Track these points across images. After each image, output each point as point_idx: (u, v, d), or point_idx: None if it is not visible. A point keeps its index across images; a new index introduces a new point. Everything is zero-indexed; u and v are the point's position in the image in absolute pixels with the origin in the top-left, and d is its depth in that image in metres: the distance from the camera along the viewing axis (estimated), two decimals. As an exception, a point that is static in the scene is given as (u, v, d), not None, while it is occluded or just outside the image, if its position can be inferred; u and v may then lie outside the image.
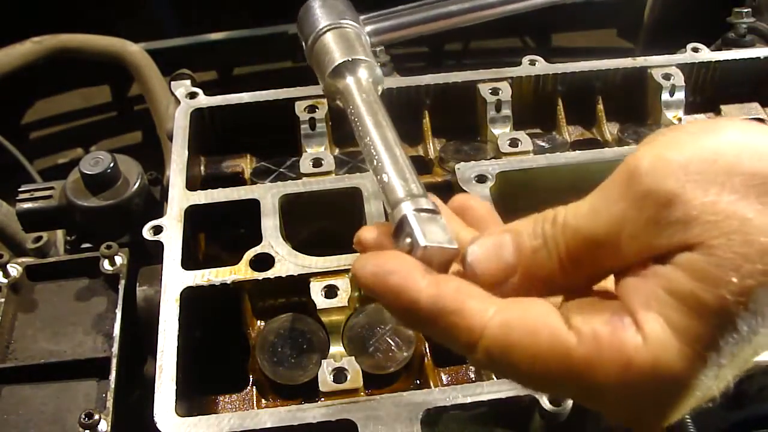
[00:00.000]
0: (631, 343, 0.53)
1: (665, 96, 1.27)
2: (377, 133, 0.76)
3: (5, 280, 1.11)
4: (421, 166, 1.25)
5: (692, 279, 0.52)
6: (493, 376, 1.00)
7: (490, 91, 1.25)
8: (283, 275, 1.00)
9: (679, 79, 1.27)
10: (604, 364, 0.53)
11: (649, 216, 0.54)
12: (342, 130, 1.27)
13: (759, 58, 1.34)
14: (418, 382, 1.02)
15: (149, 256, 1.07)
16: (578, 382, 0.55)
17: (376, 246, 0.68)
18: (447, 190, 1.16)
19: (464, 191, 1.10)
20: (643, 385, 0.53)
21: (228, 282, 1.00)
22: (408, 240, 0.64)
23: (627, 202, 0.55)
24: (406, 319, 0.63)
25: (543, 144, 1.28)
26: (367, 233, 0.69)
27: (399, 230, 0.65)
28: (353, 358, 0.95)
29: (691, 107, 1.32)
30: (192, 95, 1.25)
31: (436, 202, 0.70)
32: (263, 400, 1.00)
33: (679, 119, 1.27)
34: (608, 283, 0.60)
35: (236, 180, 1.23)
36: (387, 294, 0.61)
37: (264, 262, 1.01)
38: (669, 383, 0.53)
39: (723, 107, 1.36)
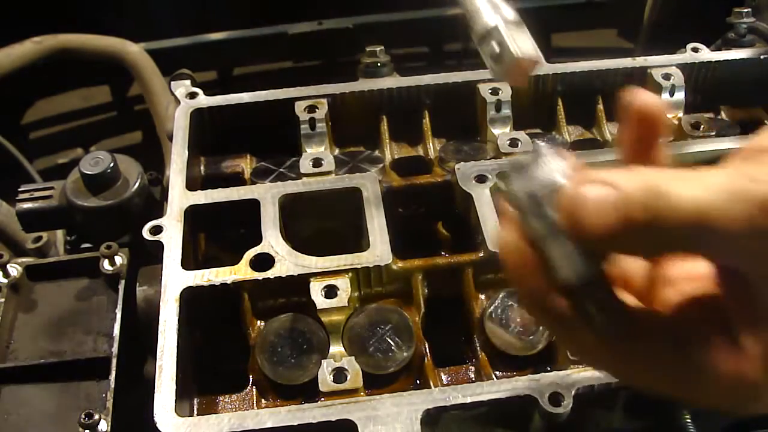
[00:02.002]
0: None
1: (665, 96, 1.27)
2: None
3: (5, 280, 1.11)
4: (421, 166, 1.25)
5: None
6: (493, 376, 1.00)
7: (490, 91, 1.25)
8: (283, 275, 1.00)
9: (679, 79, 1.27)
10: None
11: None
12: (342, 130, 1.27)
13: (759, 58, 1.34)
14: (418, 382, 1.02)
15: (149, 256, 1.07)
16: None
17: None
18: (447, 190, 1.16)
19: (464, 192, 1.10)
20: None
21: (228, 282, 1.00)
22: (497, 48, 0.66)
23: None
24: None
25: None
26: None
27: (486, 38, 0.67)
28: (353, 358, 0.96)
29: (691, 107, 1.32)
30: (192, 95, 1.25)
31: None
32: (263, 400, 1.00)
33: (679, 119, 1.27)
34: None
35: (236, 180, 1.23)
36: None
37: (264, 262, 1.01)
38: None
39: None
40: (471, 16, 0.71)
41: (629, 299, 0.67)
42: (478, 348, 1.03)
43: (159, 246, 1.03)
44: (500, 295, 1.04)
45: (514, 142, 1.19)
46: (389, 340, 1.01)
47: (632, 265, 0.70)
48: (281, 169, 1.22)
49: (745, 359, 0.59)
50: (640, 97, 0.66)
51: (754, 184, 0.55)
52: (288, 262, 1.01)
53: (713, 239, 0.56)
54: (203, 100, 1.24)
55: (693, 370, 0.60)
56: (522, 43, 0.65)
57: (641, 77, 1.30)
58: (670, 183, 0.57)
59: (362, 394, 0.93)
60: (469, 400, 0.89)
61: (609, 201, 0.58)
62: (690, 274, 0.66)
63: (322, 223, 1.15)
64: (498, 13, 0.68)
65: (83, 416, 0.94)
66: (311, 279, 1.00)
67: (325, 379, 0.93)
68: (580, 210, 0.58)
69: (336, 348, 0.99)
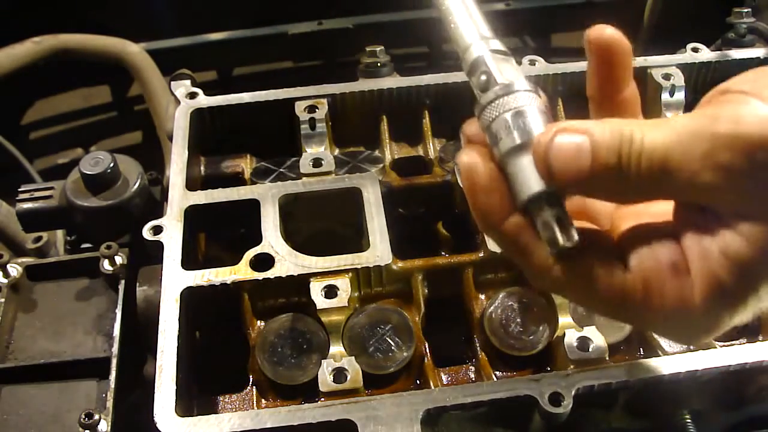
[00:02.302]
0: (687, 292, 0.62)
1: (665, 96, 1.27)
2: None
3: (5, 280, 1.11)
4: (421, 166, 1.25)
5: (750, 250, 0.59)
6: (493, 376, 1.00)
7: (490, 91, 1.25)
8: (283, 275, 1.00)
9: (679, 79, 1.27)
10: (665, 308, 0.63)
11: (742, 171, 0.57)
12: (342, 130, 1.27)
13: (759, 58, 1.34)
14: (418, 382, 1.02)
15: (149, 256, 1.07)
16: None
17: (465, 134, 0.71)
18: (447, 190, 1.16)
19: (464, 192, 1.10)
20: (689, 321, 0.64)
21: (228, 282, 1.00)
22: (483, 78, 0.68)
23: (725, 153, 0.58)
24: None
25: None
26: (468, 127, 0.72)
27: (474, 69, 0.70)
28: (353, 358, 0.96)
29: (691, 107, 1.31)
30: (192, 95, 1.25)
31: None
32: (263, 400, 1.00)
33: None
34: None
35: (236, 180, 1.23)
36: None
37: (264, 262, 1.01)
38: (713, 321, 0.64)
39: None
40: (455, 40, 0.72)
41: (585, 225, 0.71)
42: (478, 348, 1.03)
43: (159, 246, 1.03)
44: (500, 295, 1.04)
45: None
46: (389, 340, 1.01)
47: (596, 204, 0.75)
48: (281, 169, 1.22)
49: (691, 289, 0.62)
50: (597, 30, 0.69)
51: (713, 122, 0.59)
52: (288, 262, 1.01)
53: (678, 180, 0.59)
54: (203, 100, 1.24)
55: (638, 298, 0.64)
56: (507, 74, 0.67)
57: (641, 77, 1.30)
58: (639, 129, 0.61)
59: (362, 394, 0.93)
60: (469, 400, 0.89)
61: (581, 148, 0.61)
62: (648, 210, 0.70)
63: (322, 223, 1.15)
64: (483, 39, 0.70)
65: (83, 416, 0.94)
66: (311, 279, 1.00)
67: (325, 379, 0.93)
68: (553, 156, 0.62)
69: (336, 348, 0.99)
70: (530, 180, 0.65)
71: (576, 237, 0.64)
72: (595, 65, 0.71)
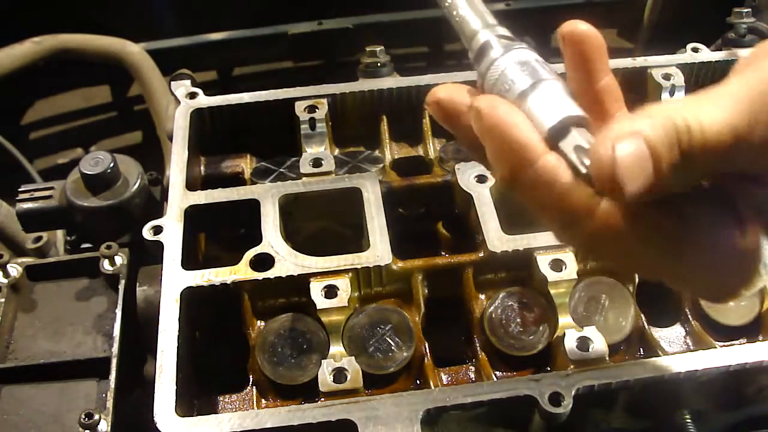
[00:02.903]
0: None
1: (665, 96, 1.27)
2: None
3: (5, 280, 1.11)
4: (421, 166, 1.25)
5: None
6: (493, 376, 1.00)
7: (490, 91, 1.25)
8: (283, 275, 1.00)
9: (679, 79, 1.27)
10: None
11: None
12: (342, 130, 1.27)
13: (759, 58, 1.34)
14: (418, 382, 1.02)
15: (149, 256, 1.07)
16: None
17: (450, 102, 0.69)
18: (447, 190, 1.16)
19: (464, 192, 1.10)
20: None
21: (228, 282, 1.00)
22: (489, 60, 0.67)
23: None
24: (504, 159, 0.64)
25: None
26: (440, 92, 0.70)
27: (480, 55, 0.69)
28: (353, 358, 0.95)
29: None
30: (192, 95, 1.25)
31: None
32: (263, 400, 1.00)
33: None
34: None
35: (236, 180, 1.23)
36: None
37: (264, 262, 1.01)
38: None
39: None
40: (461, 31, 0.72)
41: None
42: (478, 348, 1.03)
43: (159, 246, 1.03)
44: (500, 295, 1.04)
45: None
46: (389, 340, 1.01)
47: None
48: (281, 169, 1.22)
49: (748, 243, 0.59)
50: (569, 25, 0.68)
51: None
52: (288, 262, 1.01)
53: (749, 153, 0.56)
54: (203, 100, 1.24)
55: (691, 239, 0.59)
56: None
57: (641, 77, 1.30)
58: (691, 113, 0.56)
59: (362, 394, 0.93)
60: (469, 400, 0.89)
61: (643, 156, 0.56)
62: None
63: (322, 223, 1.15)
64: (488, 27, 0.70)
65: (83, 416, 0.94)
66: (311, 279, 1.00)
67: (325, 379, 0.93)
68: (620, 173, 0.57)
69: (336, 348, 0.99)
70: (551, 110, 0.62)
71: None
72: (571, 59, 0.69)
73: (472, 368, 1.04)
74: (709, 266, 0.61)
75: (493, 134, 0.63)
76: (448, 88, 0.70)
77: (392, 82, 1.28)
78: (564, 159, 0.61)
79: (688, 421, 0.99)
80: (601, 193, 0.60)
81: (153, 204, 1.27)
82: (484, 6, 0.72)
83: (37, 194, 1.25)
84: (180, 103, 1.23)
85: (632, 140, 0.57)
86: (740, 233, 0.59)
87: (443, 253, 1.16)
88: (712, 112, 0.56)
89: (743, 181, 0.60)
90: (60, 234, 1.45)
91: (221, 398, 1.01)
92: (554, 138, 0.62)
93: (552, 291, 1.01)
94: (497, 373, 1.01)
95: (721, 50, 1.38)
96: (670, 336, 1.09)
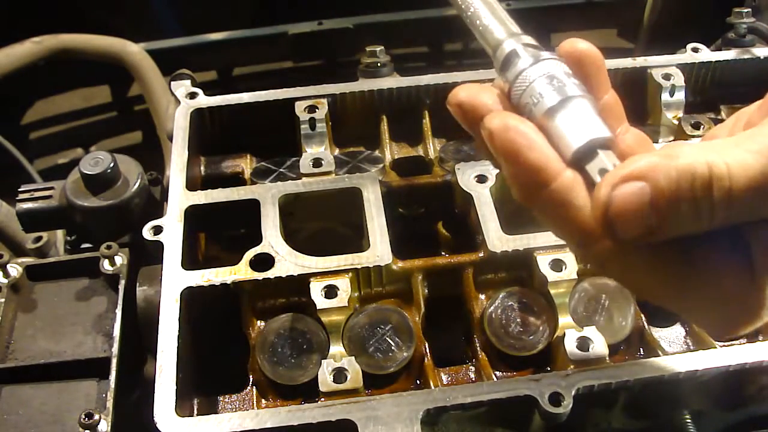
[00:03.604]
0: None
1: (665, 96, 1.27)
2: None
3: (5, 280, 1.11)
4: (421, 166, 1.25)
5: None
6: (493, 376, 1.00)
7: (490, 91, 1.25)
8: (283, 275, 1.00)
9: (679, 79, 1.27)
10: None
11: None
12: (342, 130, 1.27)
13: (759, 58, 1.34)
14: (418, 382, 1.02)
15: (149, 256, 1.07)
16: None
17: (471, 106, 0.67)
18: (447, 190, 1.16)
19: (465, 192, 1.10)
20: None
21: (228, 282, 1.00)
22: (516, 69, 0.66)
23: None
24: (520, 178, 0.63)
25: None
26: (462, 93, 0.68)
27: (507, 64, 0.67)
28: (353, 358, 0.96)
29: (691, 107, 1.32)
30: (192, 95, 1.25)
31: None
32: (263, 400, 1.00)
33: (679, 119, 1.27)
34: None
35: (236, 180, 1.23)
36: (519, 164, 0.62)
37: (264, 262, 1.01)
38: None
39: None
40: (485, 40, 0.71)
41: None
42: (478, 348, 1.03)
43: (159, 246, 1.03)
44: (500, 295, 1.04)
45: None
46: (389, 340, 1.01)
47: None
48: (281, 169, 1.22)
49: (757, 288, 0.57)
50: (569, 44, 0.67)
51: None
52: (288, 262, 1.01)
53: None
54: (203, 100, 1.24)
55: (701, 277, 0.58)
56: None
57: (641, 77, 1.30)
58: (719, 158, 0.54)
59: (362, 394, 0.93)
60: (469, 400, 0.89)
61: (643, 203, 0.55)
62: None
63: (322, 223, 1.15)
64: (513, 36, 0.69)
65: (83, 416, 0.94)
66: (311, 279, 1.00)
67: (325, 379, 0.93)
68: (612, 219, 0.56)
69: (336, 348, 0.99)
70: (577, 130, 0.61)
71: None
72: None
73: (472, 368, 1.04)
74: (712, 307, 0.60)
75: (506, 156, 0.62)
76: (470, 90, 0.68)
77: (392, 82, 1.28)
78: (587, 181, 0.61)
79: (688, 421, 0.99)
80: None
81: (153, 204, 1.27)
82: (506, 14, 0.71)
83: (37, 194, 1.25)
84: (180, 103, 1.23)
85: (634, 185, 0.55)
86: (750, 278, 0.58)
87: (443, 253, 1.16)
88: (742, 158, 0.54)
89: (760, 224, 0.58)
90: (60, 234, 1.45)
91: (221, 398, 1.01)
92: (580, 159, 0.62)
93: (552, 291, 1.01)
94: (497, 373, 1.01)
95: (721, 50, 1.38)
96: (670, 336, 1.09)
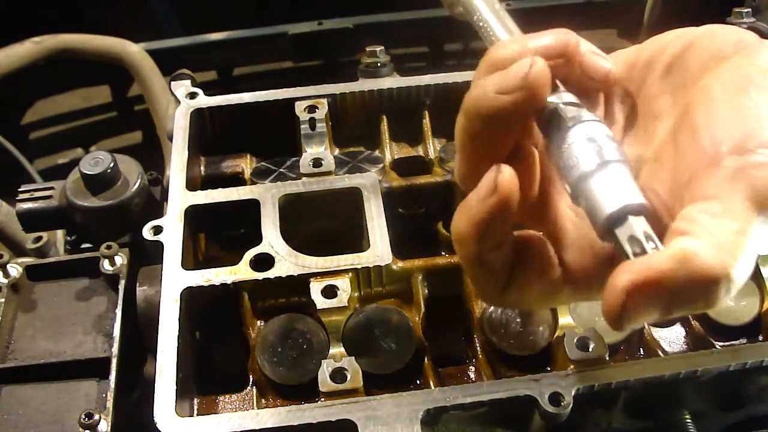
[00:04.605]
0: None
1: (665, 96, 1.26)
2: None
3: (5, 280, 1.11)
4: (421, 166, 1.25)
5: None
6: (494, 376, 1.00)
7: (490, 91, 1.24)
8: (283, 275, 1.00)
9: (679, 79, 1.27)
10: None
11: None
12: (342, 130, 1.27)
13: (759, 58, 1.34)
14: (418, 382, 1.02)
15: (149, 256, 1.07)
16: None
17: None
18: (447, 190, 1.16)
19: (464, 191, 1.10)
20: None
21: (228, 282, 1.00)
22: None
23: None
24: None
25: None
26: (501, 50, 0.74)
27: (548, 121, 0.71)
28: (353, 358, 0.95)
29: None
30: (192, 95, 1.25)
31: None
32: (263, 400, 1.00)
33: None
34: None
35: (236, 180, 1.23)
36: None
37: (264, 262, 1.01)
38: None
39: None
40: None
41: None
42: (478, 348, 1.03)
43: (159, 246, 1.03)
44: (500, 295, 1.04)
45: (514, 142, 1.18)
46: (389, 340, 1.01)
47: None
48: (281, 169, 1.22)
49: None
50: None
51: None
52: (288, 262, 1.01)
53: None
54: (203, 100, 1.24)
55: None
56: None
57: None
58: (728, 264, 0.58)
59: (362, 394, 0.93)
60: (469, 400, 0.89)
61: (656, 305, 0.59)
62: None
63: (322, 223, 1.15)
64: (554, 94, 0.71)
65: (83, 416, 0.94)
66: (311, 279, 1.00)
67: (325, 379, 0.93)
68: (621, 320, 0.60)
69: (336, 348, 0.99)
70: (613, 195, 0.64)
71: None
72: None
73: (472, 368, 1.04)
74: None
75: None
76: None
77: (392, 82, 1.28)
78: (616, 246, 0.64)
79: (688, 421, 0.99)
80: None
81: (153, 204, 1.27)
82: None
83: (37, 194, 1.24)
84: (180, 103, 1.23)
85: (649, 291, 0.59)
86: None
87: (443, 253, 1.16)
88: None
89: None
90: (60, 234, 1.45)
91: (221, 398, 1.01)
92: (611, 225, 0.64)
93: (552, 291, 1.01)
94: (497, 373, 1.01)
95: (721, 50, 1.38)
96: (670, 336, 1.09)
